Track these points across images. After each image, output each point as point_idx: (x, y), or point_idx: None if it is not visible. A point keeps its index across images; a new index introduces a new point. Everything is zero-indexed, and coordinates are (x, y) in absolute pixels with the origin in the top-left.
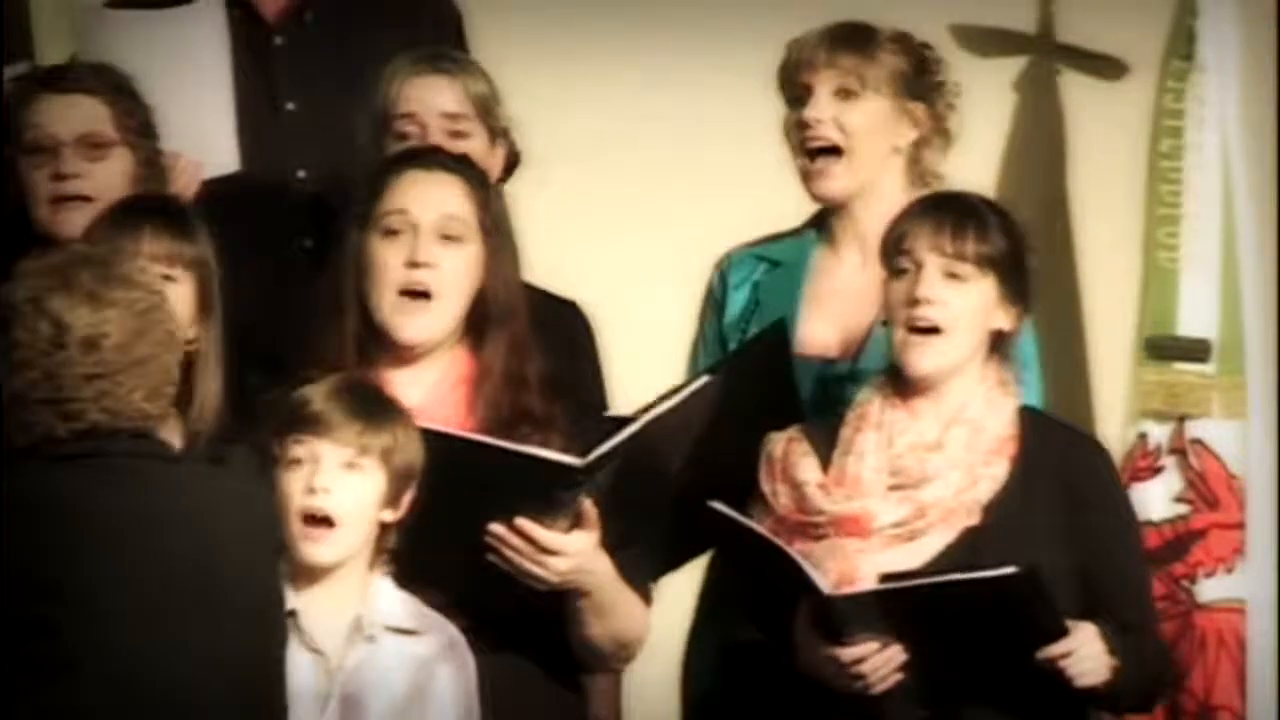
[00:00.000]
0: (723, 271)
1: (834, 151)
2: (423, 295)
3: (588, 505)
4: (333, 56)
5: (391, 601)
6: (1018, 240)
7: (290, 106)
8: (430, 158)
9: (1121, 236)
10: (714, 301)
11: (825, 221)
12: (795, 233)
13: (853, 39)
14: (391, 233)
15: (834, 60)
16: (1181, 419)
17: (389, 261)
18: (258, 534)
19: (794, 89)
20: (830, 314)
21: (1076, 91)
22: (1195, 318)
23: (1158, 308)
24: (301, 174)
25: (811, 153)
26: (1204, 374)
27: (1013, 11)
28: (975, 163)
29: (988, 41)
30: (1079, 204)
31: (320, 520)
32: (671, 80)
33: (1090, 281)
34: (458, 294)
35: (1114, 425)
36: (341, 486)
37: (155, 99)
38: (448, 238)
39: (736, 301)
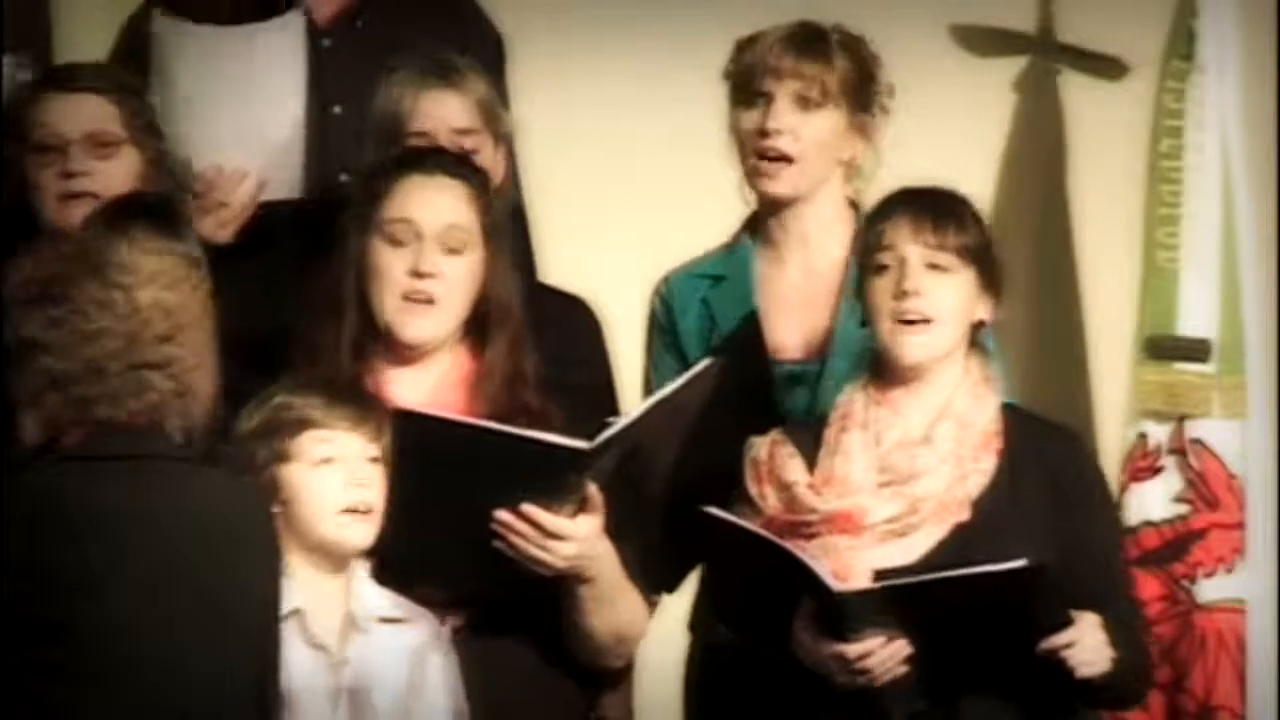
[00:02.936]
0: (663, 296)
1: (786, 160)
2: (426, 301)
3: (593, 490)
4: (380, 62)
5: (375, 594)
6: (987, 231)
7: (337, 110)
8: (432, 161)
9: (1121, 236)
10: (660, 327)
11: (760, 228)
12: (729, 246)
13: (811, 44)
14: (395, 242)
15: (798, 69)
16: (1181, 419)
17: (392, 269)
18: (254, 533)
19: (750, 92)
20: (788, 317)
21: (1076, 91)
22: (1195, 318)
23: (1158, 308)
24: (345, 178)
25: (763, 157)
26: (1204, 374)
27: (1013, 11)
28: (975, 163)
29: (988, 41)
30: (1079, 204)
31: (363, 512)
32: (669, 80)
33: (1090, 281)
34: (460, 299)
35: (1114, 425)
36: (371, 479)
37: (228, 109)
38: (451, 249)
39: (689, 322)
